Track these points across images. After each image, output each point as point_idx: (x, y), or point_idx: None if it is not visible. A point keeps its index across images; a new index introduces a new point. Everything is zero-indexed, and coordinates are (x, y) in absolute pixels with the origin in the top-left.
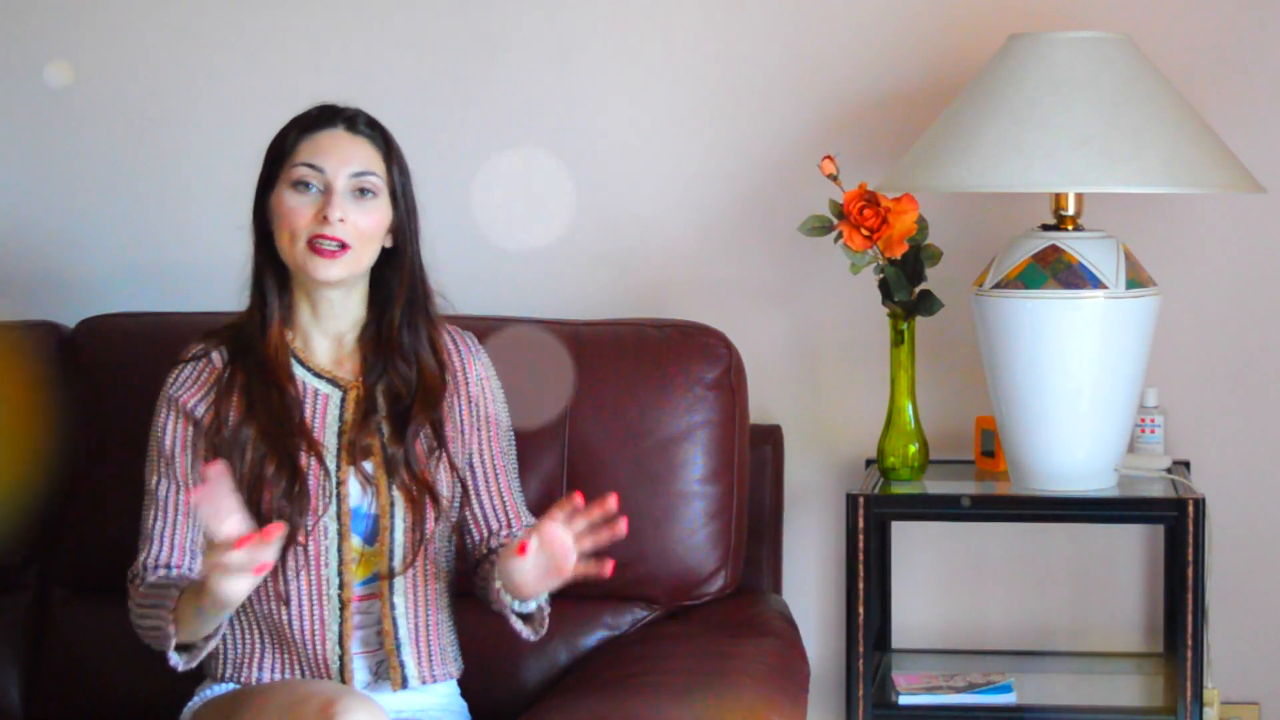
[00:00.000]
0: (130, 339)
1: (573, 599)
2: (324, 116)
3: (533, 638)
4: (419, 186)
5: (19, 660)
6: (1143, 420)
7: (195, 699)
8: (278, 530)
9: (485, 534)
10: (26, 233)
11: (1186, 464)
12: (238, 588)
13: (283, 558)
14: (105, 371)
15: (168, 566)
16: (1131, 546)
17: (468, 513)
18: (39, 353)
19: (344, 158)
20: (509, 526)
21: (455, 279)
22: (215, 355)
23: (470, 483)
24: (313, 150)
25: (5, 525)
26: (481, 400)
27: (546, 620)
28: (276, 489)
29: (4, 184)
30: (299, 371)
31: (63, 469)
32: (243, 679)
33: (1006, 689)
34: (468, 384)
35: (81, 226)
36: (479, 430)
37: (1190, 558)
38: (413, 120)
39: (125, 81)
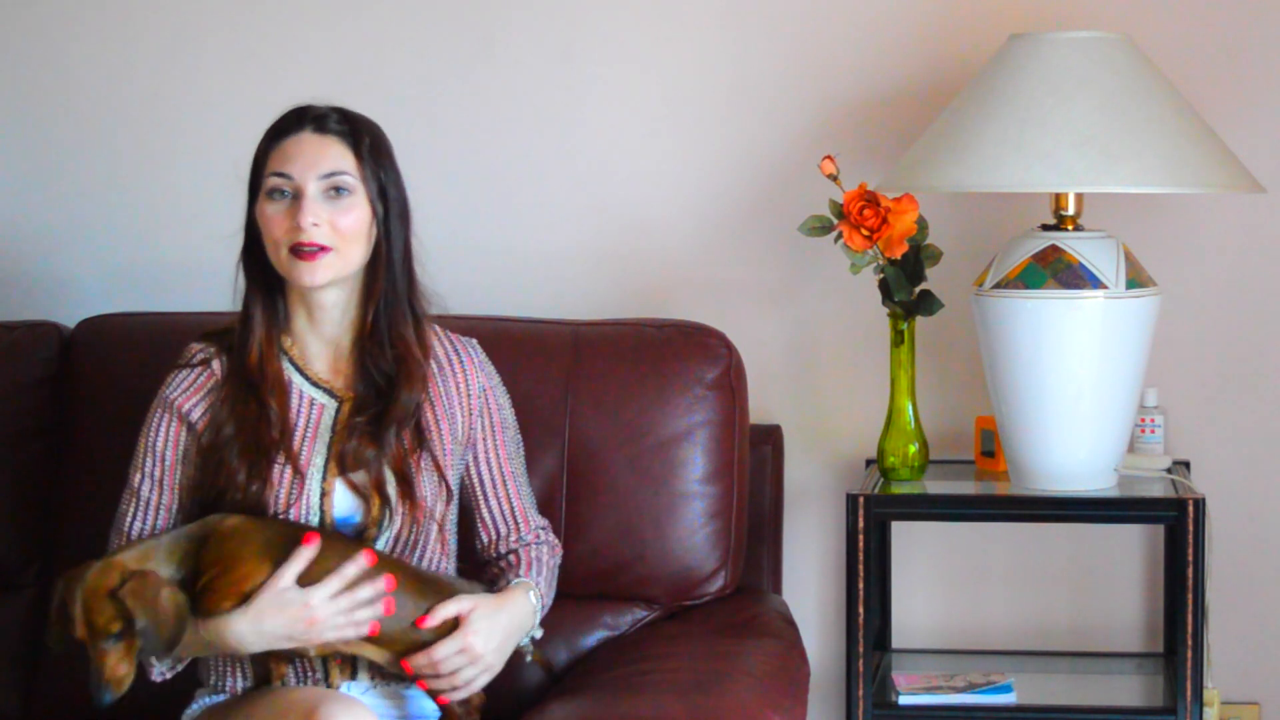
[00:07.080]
0: (130, 339)
1: (573, 599)
2: (291, 121)
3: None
4: (417, 186)
5: (19, 660)
6: (1143, 420)
7: (194, 705)
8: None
9: (494, 537)
10: (27, 233)
11: (1186, 464)
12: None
13: None
14: (105, 371)
15: None
16: (1131, 546)
17: (476, 517)
18: (39, 353)
19: (311, 161)
20: (517, 530)
21: (455, 280)
22: (216, 364)
23: (479, 487)
24: (281, 158)
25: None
26: (486, 411)
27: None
28: (246, 498)
29: (4, 184)
30: (297, 379)
31: (63, 469)
32: (226, 688)
33: (1006, 689)
34: (469, 396)
35: (81, 227)
36: (486, 439)
37: (1190, 558)
38: (412, 120)
39: (124, 81)
